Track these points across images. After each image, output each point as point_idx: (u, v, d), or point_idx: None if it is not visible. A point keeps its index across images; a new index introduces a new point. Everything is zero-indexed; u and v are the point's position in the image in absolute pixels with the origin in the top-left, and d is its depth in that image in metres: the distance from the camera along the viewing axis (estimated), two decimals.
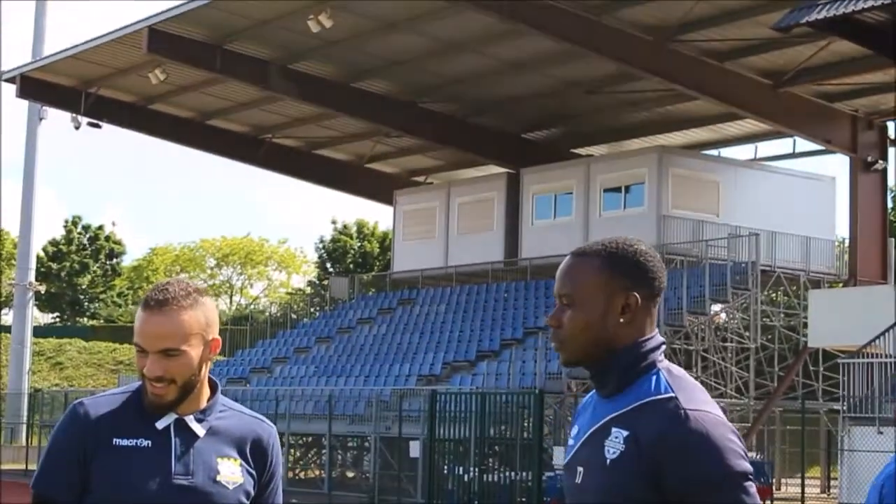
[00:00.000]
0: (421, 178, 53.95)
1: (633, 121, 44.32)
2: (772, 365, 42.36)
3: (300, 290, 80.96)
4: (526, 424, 29.51)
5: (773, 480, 35.54)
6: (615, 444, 3.19)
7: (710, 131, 44.91)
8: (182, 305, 3.66)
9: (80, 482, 3.67)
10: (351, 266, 71.58)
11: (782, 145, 44.53)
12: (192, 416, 3.73)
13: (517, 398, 30.10)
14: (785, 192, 43.42)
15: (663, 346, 3.35)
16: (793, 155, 46.22)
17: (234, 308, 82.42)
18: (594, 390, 3.46)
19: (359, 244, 74.76)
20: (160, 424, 3.70)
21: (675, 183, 42.61)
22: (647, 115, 43.56)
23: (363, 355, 44.61)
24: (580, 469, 3.29)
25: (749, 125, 43.40)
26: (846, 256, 44.22)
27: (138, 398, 3.75)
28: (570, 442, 3.42)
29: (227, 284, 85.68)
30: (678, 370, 3.31)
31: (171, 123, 48.62)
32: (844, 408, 28.74)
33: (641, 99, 41.68)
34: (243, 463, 3.75)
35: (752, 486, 3.13)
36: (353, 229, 75.39)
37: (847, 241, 44.42)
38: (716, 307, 40.38)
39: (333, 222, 76.47)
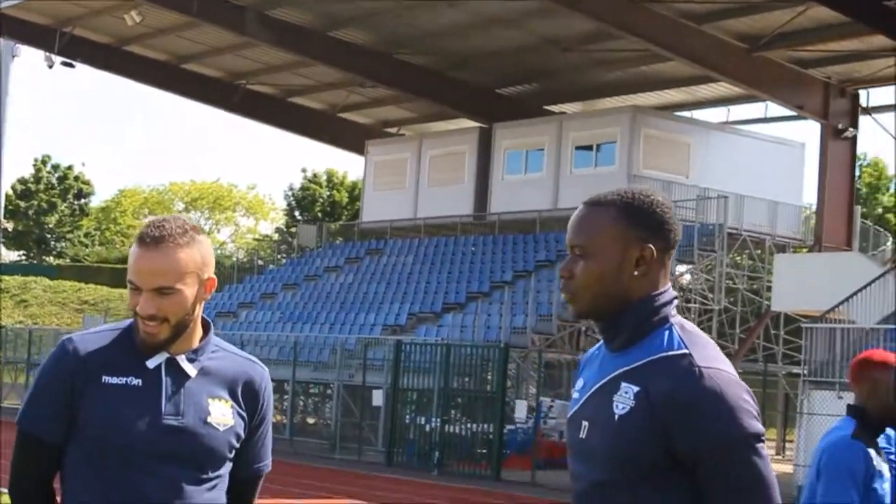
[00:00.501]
0: (393, 130, 53.79)
1: (607, 80, 44.22)
2: (734, 327, 42.56)
3: (267, 236, 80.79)
4: (489, 377, 29.60)
5: None
6: (625, 399, 3.12)
7: (684, 93, 44.89)
8: (178, 243, 3.57)
9: (68, 419, 3.60)
10: (319, 215, 71.43)
11: (754, 109, 44.80)
12: (183, 356, 3.65)
13: (482, 351, 30.20)
14: (755, 156, 43.48)
15: (675, 301, 3.26)
16: (764, 119, 46.28)
17: None
18: (601, 343, 3.38)
19: (328, 193, 74.59)
20: (151, 363, 3.62)
21: (647, 143, 42.62)
22: (621, 74, 43.48)
23: (329, 303, 44.58)
24: (585, 423, 3.22)
25: (722, 88, 43.38)
26: (812, 222, 44.43)
27: (129, 336, 3.67)
28: (575, 395, 3.35)
29: None
30: (691, 326, 3.22)
31: (146, 66, 48.27)
32: (805, 372, 28.90)
33: (617, 58, 41.58)
34: (234, 405, 3.68)
35: (763, 448, 3.07)
36: (323, 178, 75.21)
37: (814, 207, 44.63)
38: (681, 268, 40.51)
39: (303, 170, 76.44)
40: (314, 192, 74.01)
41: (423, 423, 30.14)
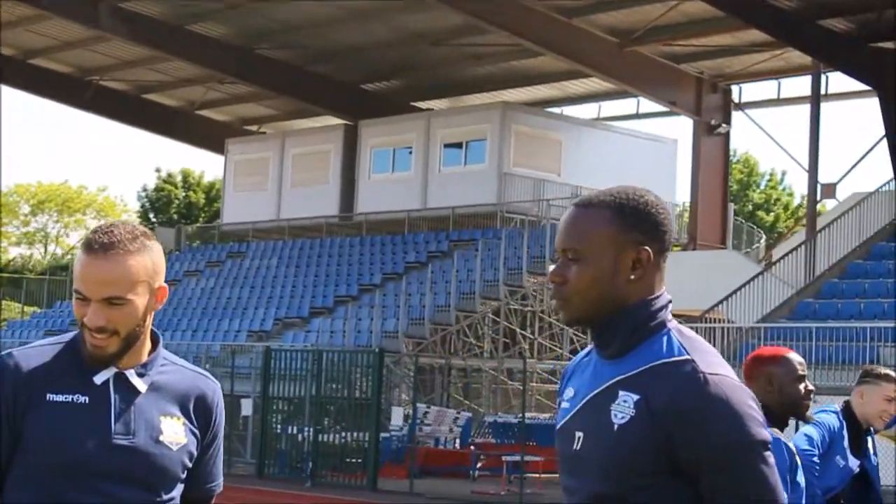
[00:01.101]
0: (254, 128, 53.54)
1: (476, 75, 44.49)
2: None
3: None
4: (363, 384, 29.62)
5: None
6: (624, 408, 3.08)
7: (554, 88, 45.29)
8: (128, 250, 3.46)
9: (8, 440, 3.47)
10: (175, 216, 70.74)
11: (626, 105, 45.25)
12: (132, 371, 3.53)
13: (355, 357, 30.20)
14: (627, 153, 44.01)
15: (670, 305, 3.24)
16: (636, 115, 46.85)
17: (49, 257, 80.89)
18: (589, 349, 3.36)
19: (184, 194, 73.91)
20: (98, 379, 3.50)
21: (518, 140, 42.96)
22: (490, 69, 43.76)
23: (190, 309, 44.23)
24: (579, 434, 3.18)
25: (594, 84, 43.89)
26: (685, 220, 45.13)
27: (73, 349, 3.54)
28: (565, 405, 3.30)
29: (43, 233, 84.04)
30: (689, 331, 3.20)
31: None
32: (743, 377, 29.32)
33: (486, 53, 41.85)
34: (186, 422, 3.58)
35: (770, 456, 3.05)
36: (178, 178, 74.50)
37: (687, 205, 45.32)
38: (551, 268, 40.88)
39: (157, 171, 75.47)
40: (169, 192, 73.29)
41: (294, 432, 30.05)
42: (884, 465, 16.92)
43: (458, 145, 44.08)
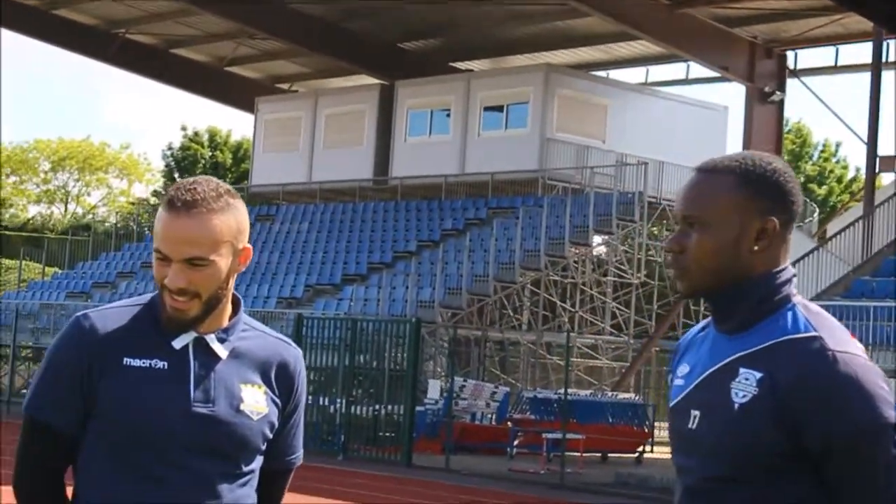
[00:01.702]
0: (286, 86, 53.52)
1: (519, 35, 44.29)
2: (651, 302, 42.96)
3: (144, 199, 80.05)
4: (398, 355, 29.65)
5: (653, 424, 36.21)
6: (745, 386, 3.02)
7: (600, 51, 45.14)
8: (212, 208, 3.38)
9: (83, 406, 3.41)
10: None
11: (675, 70, 45.01)
12: (213, 336, 3.46)
13: (390, 326, 30.22)
14: (675, 120, 43.85)
15: (795, 280, 3.18)
16: (686, 81, 46.69)
17: (69, 216, 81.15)
18: (706, 324, 3.29)
19: (210, 154, 74.02)
20: (177, 343, 3.44)
21: (561, 104, 42.84)
22: (534, 29, 43.58)
23: None
24: (695, 413, 3.12)
25: (642, 47, 43.70)
26: None
27: (151, 312, 3.47)
28: (679, 382, 3.24)
29: (63, 191, 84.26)
30: (815, 306, 3.13)
31: (12, 10, 47.28)
32: None
33: (530, 12, 41.70)
34: (268, 390, 3.51)
35: None
36: (205, 137, 74.58)
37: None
38: (597, 238, 40.82)
39: (183, 129, 75.56)
40: (196, 152, 73.40)
41: (326, 404, 30.11)
42: None
43: (499, 108, 43.97)
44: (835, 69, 42.89)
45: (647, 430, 34.38)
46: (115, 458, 3.39)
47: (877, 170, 36.16)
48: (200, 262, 3.37)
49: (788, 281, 3.14)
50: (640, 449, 33.40)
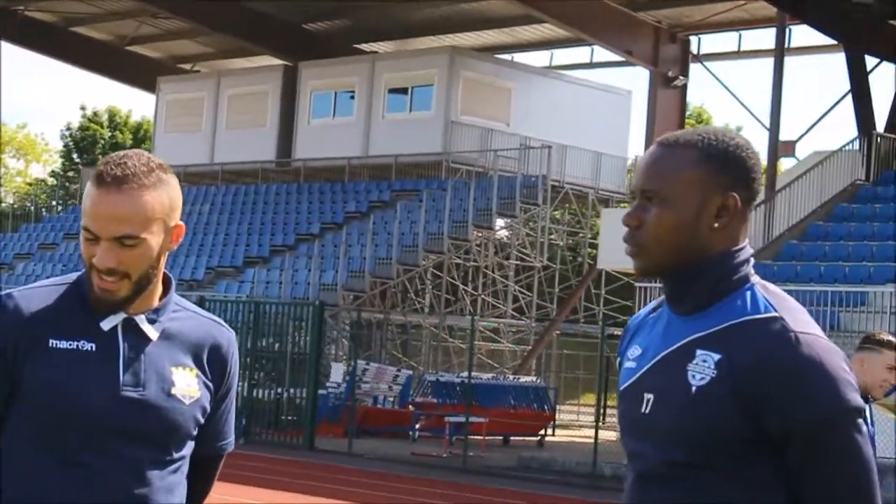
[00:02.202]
0: (188, 66, 52.97)
1: (424, 18, 44.11)
2: (553, 286, 43.06)
3: (41, 180, 79.01)
4: (300, 338, 29.45)
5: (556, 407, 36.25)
6: (703, 368, 2.92)
7: (505, 34, 45.01)
8: (143, 183, 3.22)
9: (6, 390, 3.26)
10: (100, 157, 70.09)
11: (580, 54, 45.08)
12: (143, 316, 3.31)
13: (293, 309, 29.99)
14: (579, 104, 43.89)
15: (752, 260, 3.07)
16: (590, 65, 46.77)
17: None
18: (656, 304, 3.19)
19: (109, 134, 73.17)
20: (106, 325, 3.29)
21: (466, 87, 42.73)
22: (439, 12, 43.38)
23: None
24: (649, 396, 3.02)
25: (546, 30, 43.64)
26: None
27: (78, 292, 3.32)
28: (630, 365, 3.13)
29: None
30: (774, 287, 3.03)
31: None
32: None
33: None
34: (200, 373, 3.37)
35: (863, 425, 2.89)
36: (105, 117, 73.72)
37: (638, 159, 45.19)
38: (500, 222, 40.78)
39: (83, 108, 74.65)
40: (95, 132, 72.55)
41: None
42: (883, 438, 16.98)
43: (403, 91, 43.80)
44: (737, 54, 43.16)
45: (549, 414, 34.38)
46: (40, 443, 3.24)
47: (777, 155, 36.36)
48: (131, 241, 3.22)
49: (747, 260, 3.04)
50: (542, 432, 33.40)
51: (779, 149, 36.09)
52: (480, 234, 39.91)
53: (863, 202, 32.33)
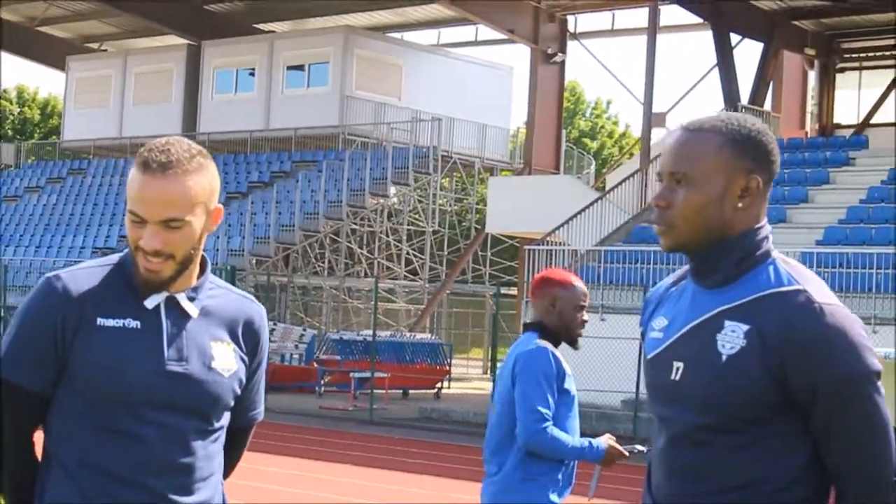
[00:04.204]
0: (95, 45, 52.18)
1: None
2: (442, 249, 43.22)
3: None
4: None
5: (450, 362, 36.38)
6: (732, 338, 2.98)
7: (396, 14, 44.86)
8: (187, 169, 3.22)
9: (56, 368, 3.25)
10: (9, 132, 68.94)
11: (465, 32, 45.26)
12: (183, 295, 3.32)
13: None
14: (465, 79, 43.98)
15: (772, 236, 3.14)
16: (475, 42, 46.82)
17: None
18: (679, 278, 3.25)
19: (18, 110, 71.95)
20: (150, 303, 3.29)
21: (359, 64, 42.58)
22: None
23: (32, 225, 43.21)
24: (678, 365, 3.07)
25: (435, 10, 43.55)
26: (518, 145, 45.39)
27: (122, 272, 3.32)
28: (657, 335, 3.17)
29: None
30: (793, 261, 3.10)
31: None
32: (527, 294, 29.52)
33: None
34: (236, 348, 3.39)
35: (882, 386, 2.96)
36: (13, 94, 72.50)
37: (520, 130, 45.51)
38: (394, 189, 40.78)
39: None
40: (4, 108, 71.32)
41: None
42: None
43: (301, 68, 43.55)
44: (612, 32, 43.43)
45: (445, 368, 34.52)
46: (90, 417, 3.25)
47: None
48: (176, 223, 3.23)
49: (767, 237, 3.12)
50: (439, 385, 33.53)
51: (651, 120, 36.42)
52: (376, 202, 39.89)
53: None
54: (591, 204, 32.15)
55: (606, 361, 22.96)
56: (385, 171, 39.23)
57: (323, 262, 41.00)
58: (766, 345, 2.94)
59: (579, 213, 31.64)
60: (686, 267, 3.22)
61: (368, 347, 29.16)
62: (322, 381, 31.18)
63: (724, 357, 2.98)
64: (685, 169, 3.06)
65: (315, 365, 32.27)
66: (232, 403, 3.39)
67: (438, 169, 40.58)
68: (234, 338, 3.40)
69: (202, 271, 3.39)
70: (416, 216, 42.00)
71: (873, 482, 2.96)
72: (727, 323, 3.01)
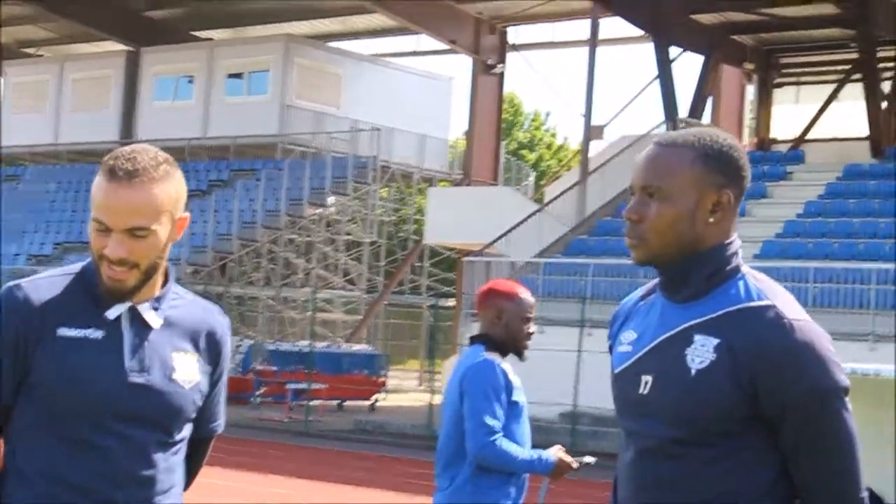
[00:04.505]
0: (32, 50, 51.53)
1: (260, 7, 43.40)
2: (380, 259, 43.02)
3: None
4: None
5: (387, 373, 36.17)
6: (702, 352, 2.97)
7: (338, 23, 44.63)
8: (153, 177, 3.20)
9: (17, 377, 3.21)
10: None
11: (406, 42, 45.00)
12: (146, 305, 3.27)
13: None
14: (404, 89, 43.78)
15: (741, 251, 3.13)
16: (416, 53, 46.66)
17: None
18: (647, 292, 3.22)
19: None
20: (111, 313, 3.24)
21: (300, 73, 42.32)
22: (273, 2, 42.82)
23: None
24: (646, 378, 3.06)
25: (376, 20, 43.33)
26: (457, 156, 45.26)
27: (84, 282, 3.27)
28: (625, 349, 3.16)
29: None
30: (761, 275, 3.09)
31: None
32: (466, 305, 29.39)
33: None
34: (199, 358, 3.34)
35: (849, 402, 2.99)
36: None
37: (458, 141, 45.40)
38: (333, 199, 40.50)
39: None
40: None
41: None
42: None
43: (240, 76, 43.20)
44: (552, 45, 43.39)
45: (381, 379, 34.28)
46: (51, 428, 3.21)
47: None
48: (141, 232, 3.20)
49: (737, 252, 3.11)
50: (375, 397, 33.29)
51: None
52: (314, 212, 39.62)
53: None
54: (530, 216, 32.06)
55: (545, 374, 22.73)
56: (324, 181, 38.99)
57: (260, 272, 40.64)
58: (735, 359, 2.95)
59: (518, 224, 31.53)
60: (655, 280, 3.19)
61: (305, 358, 28.88)
62: (258, 392, 30.83)
63: (693, 371, 2.98)
64: (658, 183, 3.06)
65: (251, 376, 31.92)
66: (193, 415, 3.34)
67: (377, 179, 40.37)
68: (196, 349, 3.35)
69: (165, 281, 3.35)
70: (355, 226, 41.75)
71: (840, 498, 2.97)
72: (697, 337, 3.01)
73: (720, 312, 3.01)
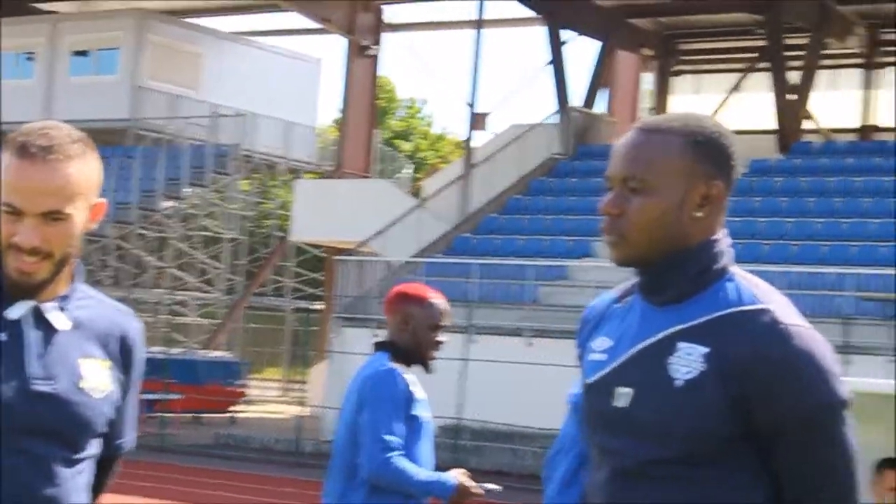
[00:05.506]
0: None
1: None
2: (240, 258, 42.66)
3: None
4: None
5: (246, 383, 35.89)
6: (689, 361, 2.86)
7: None
8: (70, 154, 3.02)
9: None
10: None
11: (273, 20, 44.47)
12: (51, 304, 3.10)
13: None
14: (270, 71, 43.44)
15: (731, 249, 3.02)
16: (284, 31, 46.38)
17: None
18: (626, 295, 3.09)
19: None
20: (13, 313, 3.06)
21: (154, 51, 41.84)
22: None
23: None
24: (625, 390, 2.93)
25: None
26: (324, 145, 45.03)
27: None
28: (598, 357, 3.03)
29: None
30: (753, 276, 2.99)
31: None
32: (337, 308, 29.23)
33: None
34: (112, 365, 3.18)
35: (850, 416, 2.89)
36: None
37: (326, 128, 45.16)
38: (189, 191, 40.06)
39: None
40: None
41: None
42: None
43: (87, 53, 42.59)
44: (435, 25, 43.37)
45: (241, 389, 34.01)
46: None
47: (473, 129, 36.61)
48: (57, 216, 3.03)
49: (726, 250, 3.00)
50: (234, 409, 33.04)
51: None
52: (169, 205, 39.14)
53: (560, 176, 32.90)
54: (409, 212, 31.97)
55: (425, 384, 22.67)
56: (180, 171, 38.56)
57: (108, 271, 40.07)
58: (726, 370, 2.84)
59: (395, 221, 31.42)
60: (633, 281, 3.07)
61: (158, 366, 28.48)
62: None
63: (678, 382, 2.87)
64: (641, 174, 2.94)
65: None
66: (104, 429, 3.17)
67: (239, 169, 40.02)
68: (107, 354, 3.20)
69: (72, 278, 3.17)
70: (214, 221, 41.36)
71: None
72: (681, 345, 2.90)
73: (708, 317, 2.91)
